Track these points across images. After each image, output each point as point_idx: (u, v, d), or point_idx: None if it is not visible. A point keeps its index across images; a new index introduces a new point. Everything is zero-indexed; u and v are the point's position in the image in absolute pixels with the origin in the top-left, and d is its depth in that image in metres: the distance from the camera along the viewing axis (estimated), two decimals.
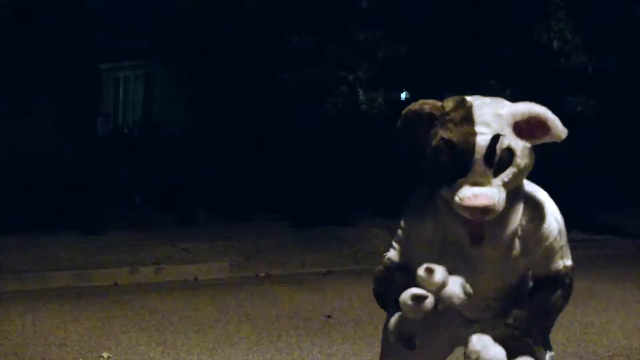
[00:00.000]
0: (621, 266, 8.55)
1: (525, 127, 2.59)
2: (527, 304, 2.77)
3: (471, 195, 2.53)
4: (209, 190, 10.69)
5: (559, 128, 2.58)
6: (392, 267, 2.91)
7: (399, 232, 2.88)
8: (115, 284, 7.16)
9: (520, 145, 2.58)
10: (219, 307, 6.22)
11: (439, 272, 2.64)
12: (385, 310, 2.98)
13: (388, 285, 2.90)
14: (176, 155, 11.69)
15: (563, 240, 2.78)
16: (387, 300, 2.90)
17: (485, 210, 2.53)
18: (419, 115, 2.66)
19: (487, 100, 2.66)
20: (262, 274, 7.68)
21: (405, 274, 2.81)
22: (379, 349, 5.03)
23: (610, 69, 9.39)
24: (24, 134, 12.24)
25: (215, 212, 10.32)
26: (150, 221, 9.91)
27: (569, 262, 2.80)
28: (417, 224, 2.80)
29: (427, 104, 2.67)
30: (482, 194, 2.53)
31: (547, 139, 2.61)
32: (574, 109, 9.37)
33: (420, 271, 2.65)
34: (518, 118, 2.59)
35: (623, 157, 13.26)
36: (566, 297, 2.85)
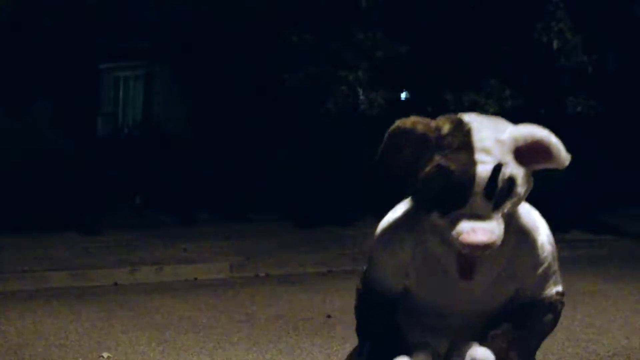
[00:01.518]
0: (621, 266, 8.54)
1: (527, 153, 2.41)
2: (516, 322, 2.64)
3: (470, 230, 2.33)
4: (209, 190, 10.70)
5: (562, 154, 2.43)
6: (372, 288, 2.76)
7: (383, 252, 2.70)
8: (115, 284, 7.16)
9: (521, 173, 2.40)
10: (219, 307, 6.21)
11: None
12: (359, 332, 2.85)
13: (367, 306, 2.77)
14: (176, 155, 11.70)
15: (556, 266, 2.71)
16: (364, 325, 2.79)
17: (486, 247, 2.35)
18: (410, 135, 2.42)
19: (486, 121, 2.45)
20: (262, 274, 7.67)
21: (382, 303, 2.69)
22: None
23: (610, 69, 9.39)
24: (24, 133, 12.24)
25: (215, 212, 10.33)
26: (150, 221, 9.91)
27: (560, 288, 2.74)
28: (394, 246, 2.63)
29: (420, 124, 2.42)
30: (482, 229, 2.34)
31: (549, 165, 2.44)
32: (574, 109, 9.37)
33: None
34: (520, 143, 2.40)
35: (623, 157, 13.26)
36: (555, 322, 2.77)
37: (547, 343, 5.32)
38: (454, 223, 2.35)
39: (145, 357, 4.90)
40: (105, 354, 4.88)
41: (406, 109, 11.98)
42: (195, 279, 7.44)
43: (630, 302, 6.79)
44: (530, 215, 2.63)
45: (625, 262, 8.79)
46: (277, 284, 7.15)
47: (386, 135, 2.45)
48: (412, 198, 2.59)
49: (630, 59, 9.88)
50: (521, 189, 2.40)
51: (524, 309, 2.65)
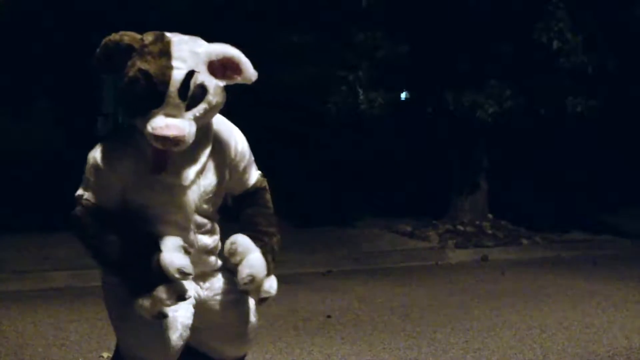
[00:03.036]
0: (621, 266, 8.55)
1: (219, 67, 2.75)
2: (256, 216, 3.03)
3: (163, 125, 2.64)
4: None
5: (250, 71, 2.77)
6: (98, 208, 2.87)
7: (97, 168, 2.86)
8: None
9: (213, 84, 2.73)
10: None
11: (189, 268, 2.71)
12: (103, 265, 2.98)
13: (100, 233, 2.86)
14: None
15: (251, 155, 3.05)
16: (102, 251, 2.89)
17: (176, 140, 2.65)
18: (117, 45, 2.71)
19: (185, 38, 2.77)
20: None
21: (114, 217, 2.84)
22: (379, 349, 5.03)
23: (610, 69, 9.39)
24: (24, 133, 12.24)
25: None
26: None
27: (259, 172, 3.12)
28: (116, 157, 2.81)
29: (127, 36, 2.73)
30: (173, 125, 2.64)
31: (239, 80, 2.78)
32: (574, 109, 9.37)
33: (173, 271, 2.68)
34: (213, 57, 2.74)
35: (623, 157, 13.26)
36: (271, 199, 3.13)
37: (547, 343, 5.34)
38: (150, 120, 2.66)
39: None
40: (105, 354, 4.88)
41: (406, 109, 12.06)
42: None
43: (630, 302, 6.79)
44: (225, 122, 2.99)
45: (625, 262, 8.79)
46: (277, 284, 7.14)
47: (99, 48, 2.74)
48: (120, 110, 2.92)
49: (630, 59, 9.87)
50: (213, 98, 2.73)
51: (253, 198, 3.06)
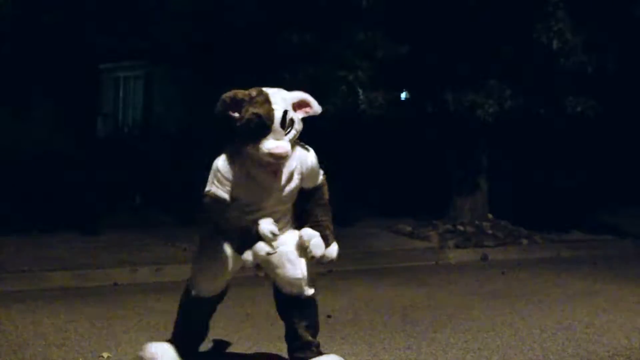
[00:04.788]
0: (621, 266, 8.55)
1: (297, 105, 4.15)
2: (315, 209, 4.43)
3: (275, 146, 4.00)
4: None
5: (316, 106, 4.19)
6: (219, 199, 4.14)
7: (218, 174, 4.13)
8: (115, 284, 7.16)
9: (297, 117, 4.12)
10: (219, 307, 6.20)
11: (276, 230, 4.09)
12: (221, 234, 4.25)
13: (219, 214, 4.16)
14: (176, 155, 11.70)
15: (318, 165, 4.34)
16: (222, 226, 4.19)
17: (284, 155, 4.04)
18: (233, 98, 4.07)
19: (275, 90, 4.13)
20: (262, 274, 7.67)
21: (230, 207, 4.15)
22: (379, 349, 5.03)
23: (610, 69, 9.38)
24: (24, 134, 12.24)
25: None
26: (150, 221, 9.91)
27: (322, 174, 4.44)
28: (231, 169, 4.12)
29: (240, 93, 4.08)
30: (281, 145, 4.02)
31: (310, 113, 4.18)
32: (574, 109, 9.37)
33: (267, 232, 4.04)
34: (295, 100, 4.14)
35: (623, 157, 13.26)
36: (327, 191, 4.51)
37: (547, 343, 5.34)
38: (264, 145, 4.00)
39: None
40: (105, 354, 4.88)
41: (406, 109, 12.01)
42: None
43: (630, 302, 6.79)
44: (301, 144, 4.28)
45: (625, 262, 8.80)
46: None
47: (221, 100, 4.08)
48: (235, 139, 4.12)
49: (630, 59, 9.87)
50: (298, 125, 4.11)
51: (316, 194, 4.40)
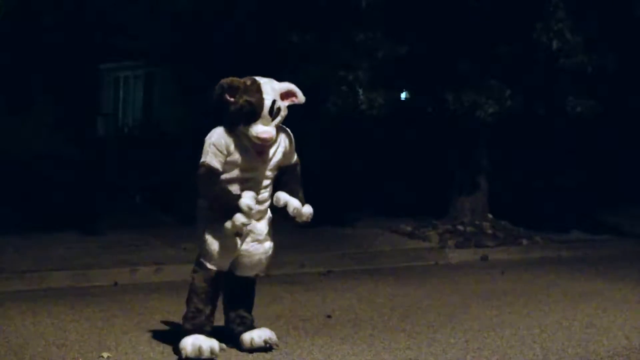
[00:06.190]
0: (621, 266, 8.55)
1: (285, 95, 4.82)
2: (291, 181, 5.04)
3: (262, 131, 4.67)
4: None
5: (301, 96, 4.88)
6: (212, 169, 4.71)
7: (213, 147, 4.71)
8: (115, 284, 7.16)
9: (283, 105, 4.79)
10: (219, 307, 6.21)
11: (253, 203, 4.70)
12: (210, 203, 4.78)
13: (212, 184, 4.73)
14: (176, 155, 11.69)
15: (294, 145, 5.04)
16: (210, 196, 4.77)
17: (270, 139, 4.72)
18: (231, 85, 4.69)
19: (267, 80, 4.78)
20: (262, 274, 7.67)
21: (220, 179, 4.75)
22: (379, 349, 5.03)
23: (610, 69, 9.38)
24: (24, 134, 12.25)
25: None
26: (150, 221, 9.91)
27: (296, 155, 5.11)
28: (225, 142, 4.71)
29: (236, 80, 4.71)
30: (268, 130, 4.69)
31: (295, 102, 4.86)
32: (574, 109, 9.36)
33: (244, 206, 4.62)
34: (283, 90, 4.81)
35: (623, 157, 13.26)
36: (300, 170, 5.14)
37: (547, 343, 5.34)
38: (253, 128, 4.68)
39: (145, 357, 4.91)
40: (105, 354, 4.89)
41: (406, 109, 11.98)
42: None
43: (630, 302, 6.79)
44: (283, 127, 4.94)
45: (625, 262, 8.80)
46: (277, 284, 7.15)
47: (219, 84, 4.70)
48: (227, 120, 4.72)
49: (630, 59, 9.87)
50: (283, 112, 4.78)
51: (292, 170, 5.06)
